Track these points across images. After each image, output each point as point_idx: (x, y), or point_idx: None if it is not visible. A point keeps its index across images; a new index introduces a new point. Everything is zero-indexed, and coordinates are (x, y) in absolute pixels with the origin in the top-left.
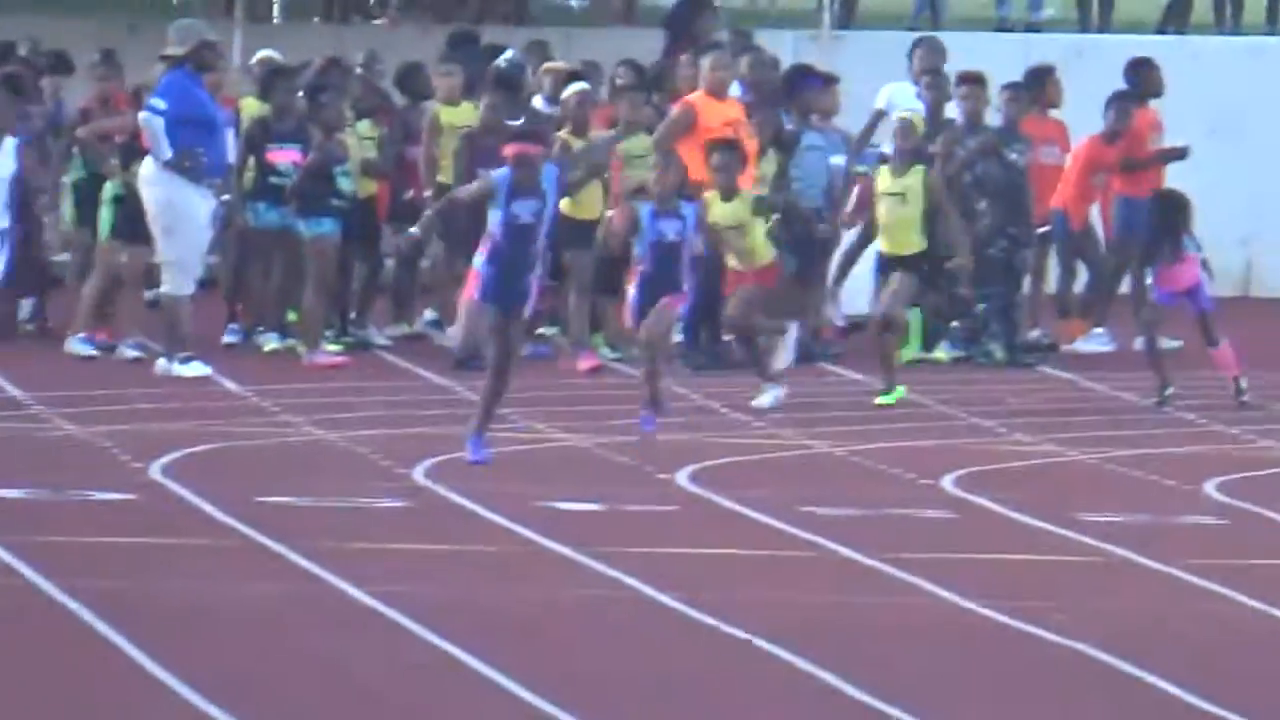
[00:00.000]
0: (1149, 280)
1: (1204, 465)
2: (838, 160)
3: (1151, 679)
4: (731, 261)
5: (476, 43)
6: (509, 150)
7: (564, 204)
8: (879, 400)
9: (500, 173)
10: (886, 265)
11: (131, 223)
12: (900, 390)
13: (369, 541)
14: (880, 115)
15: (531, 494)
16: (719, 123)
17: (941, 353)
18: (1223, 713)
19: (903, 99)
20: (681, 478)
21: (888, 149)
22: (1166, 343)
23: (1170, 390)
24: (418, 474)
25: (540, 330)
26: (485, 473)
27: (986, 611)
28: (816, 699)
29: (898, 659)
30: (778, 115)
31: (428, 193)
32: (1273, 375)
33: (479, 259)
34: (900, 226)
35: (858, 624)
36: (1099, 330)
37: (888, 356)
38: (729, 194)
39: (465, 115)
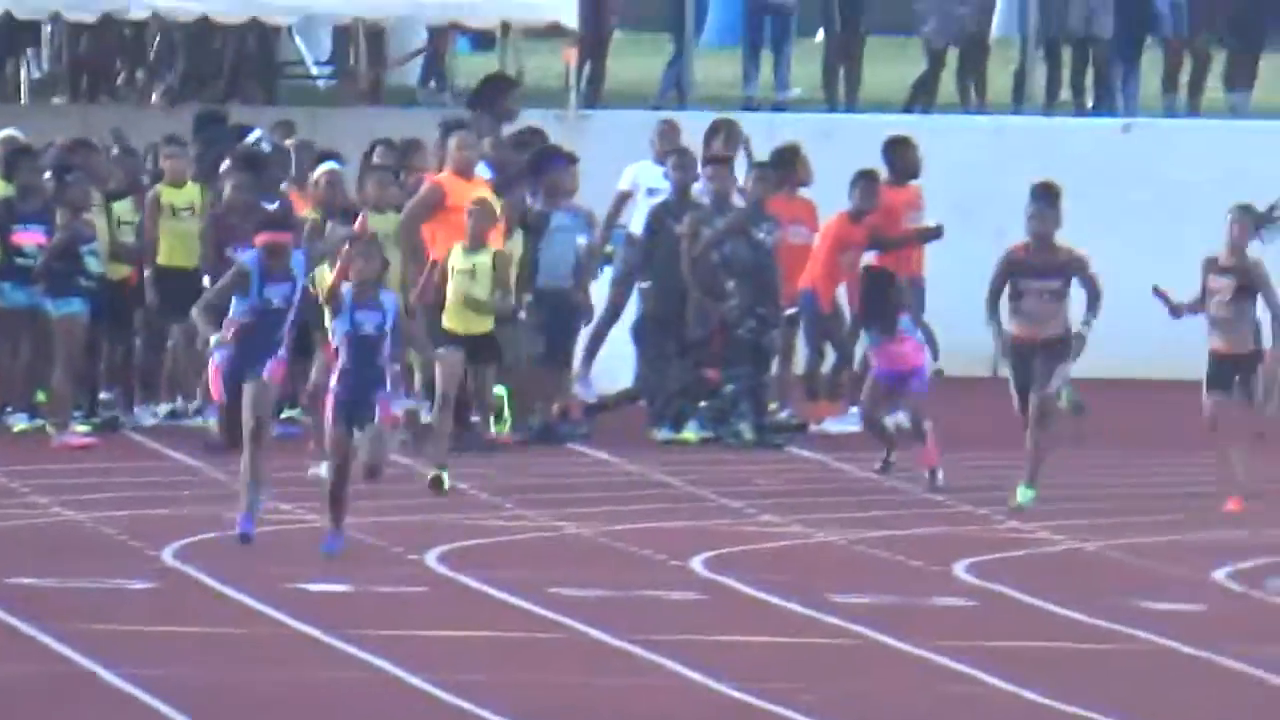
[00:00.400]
0: (868, 354)
1: (953, 546)
2: (582, 240)
3: None
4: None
5: (223, 122)
6: (260, 239)
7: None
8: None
9: (249, 256)
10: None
11: None
12: None
13: (119, 623)
14: (625, 196)
15: (281, 575)
16: (466, 202)
17: (690, 433)
18: None
19: (647, 178)
20: (431, 559)
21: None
22: (895, 417)
23: (892, 458)
24: (167, 555)
25: (287, 412)
26: (235, 554)
27: (735, 693)
28: None
29: None
30: (523, 197)
31: (147, 272)
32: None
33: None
34: (467, 304)
35: (607, 706)
36: (853, 410)
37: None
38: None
39: (188, 196)
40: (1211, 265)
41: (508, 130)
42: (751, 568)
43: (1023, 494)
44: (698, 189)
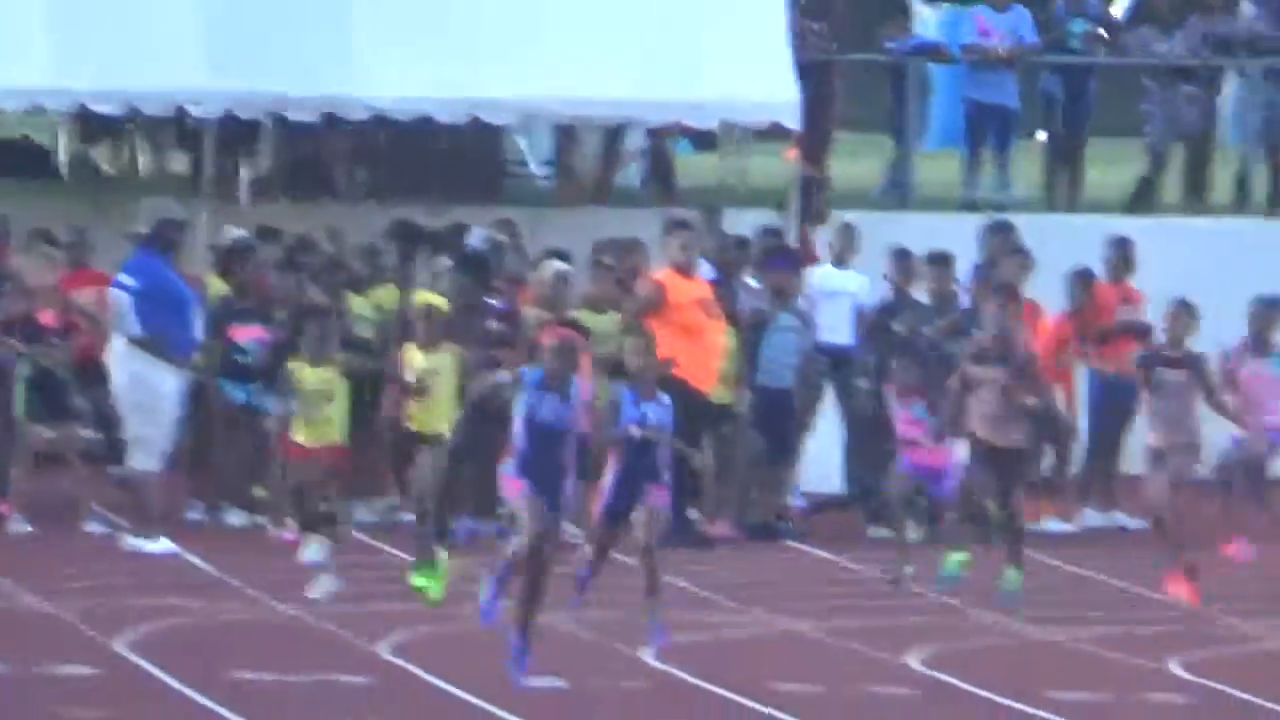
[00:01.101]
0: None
1: (1165, 642)
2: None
3: None
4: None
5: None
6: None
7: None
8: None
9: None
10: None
11: (48, 401)
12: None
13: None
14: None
15: (495, 669)
16: (688, 300)
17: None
18: None
19: (827, 281)
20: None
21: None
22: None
23: (909, 570)
24: (383, 649)
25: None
26: (453, 649)
27: None
28: None
29: None
30: (736, 292)
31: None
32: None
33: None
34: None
35: None
36: (1088, 510)
37: None
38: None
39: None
40: None
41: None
42: (967, 664)
43: None
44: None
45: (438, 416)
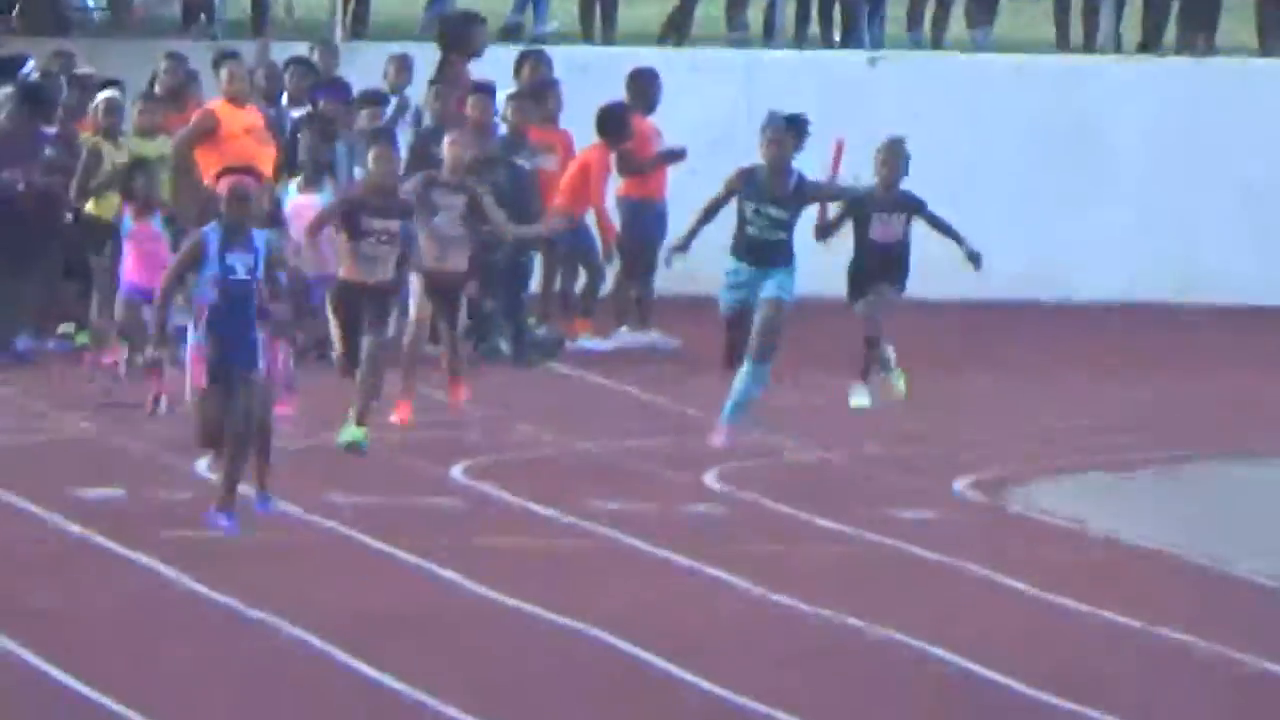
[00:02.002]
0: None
1: (706, 456)
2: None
3: (648, 657)
4: None
5: None
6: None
7: (89, 205)
8: None
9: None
10: None
11: None
12: None
13: None
14: None
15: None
16: (240, 129)
17: None
18: (711, 687)
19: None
20: None
21: None
22: None
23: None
24: None
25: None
26: (17, 467)
27: (490, 594)
28: None
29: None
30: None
31: None
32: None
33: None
34: None
35: (344, 606)
36: (623, 330)
37: None
38: None
39: None
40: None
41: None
42: (508, 476)
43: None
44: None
45: None
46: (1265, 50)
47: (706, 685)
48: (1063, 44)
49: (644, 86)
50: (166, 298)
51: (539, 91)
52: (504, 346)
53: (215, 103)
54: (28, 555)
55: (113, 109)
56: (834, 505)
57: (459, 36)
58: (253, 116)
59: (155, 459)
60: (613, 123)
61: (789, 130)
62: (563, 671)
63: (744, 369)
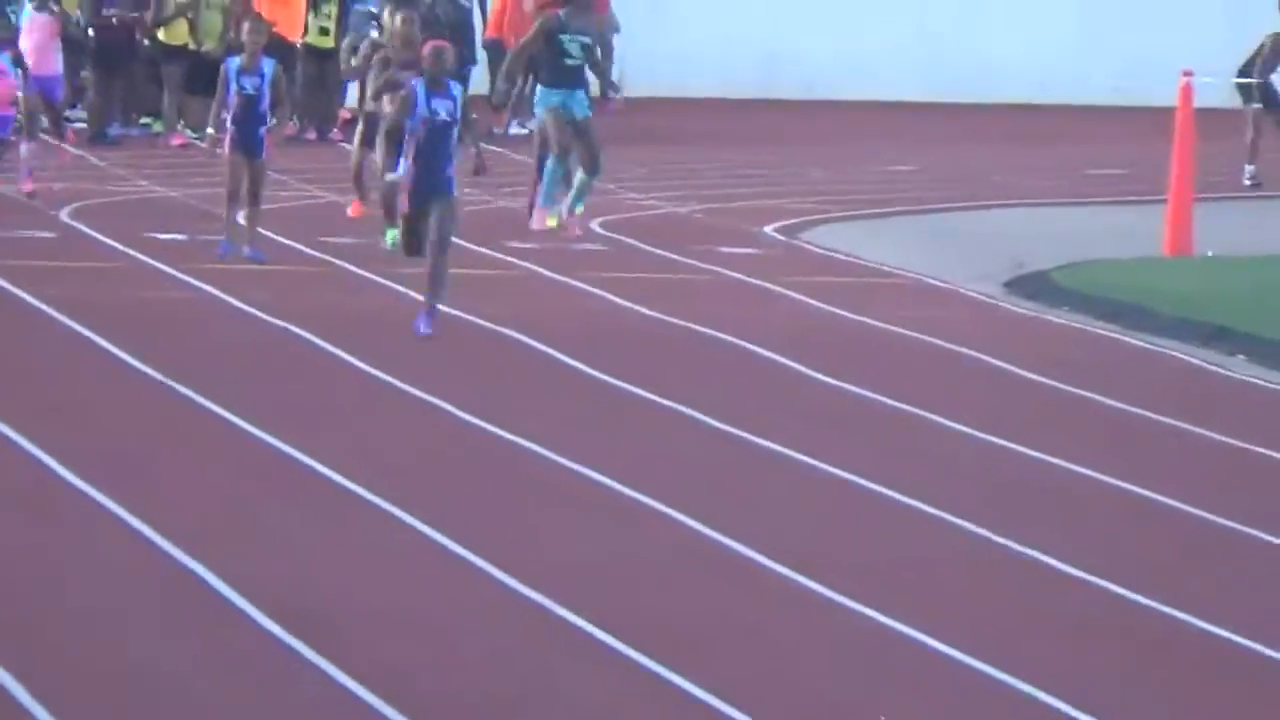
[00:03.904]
0: None
1: (590, 212)
2: None
3: (546, 349)
4: None
5: None
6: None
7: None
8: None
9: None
10: None
11: None
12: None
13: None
14: None
15: (137, 229)
16: None
17: None
18: (593, 371)
19: None
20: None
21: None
22: None
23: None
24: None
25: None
26: (109, 213)
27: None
28: None
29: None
30: None
31: None
32: None
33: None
34: None
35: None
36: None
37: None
38: None
39: None
40: None
41: None
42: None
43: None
44: None
45: None
46: None
47: (586, 367)
48: None
49: None
50: (390, 139)
51: None
52: None
53: None
54: (115, 273)
55: None
56: (675, 244)
57: None
58: None
59: (208, 210)
60: None
61: None
62: (494, 359)
63: (579, 174)
